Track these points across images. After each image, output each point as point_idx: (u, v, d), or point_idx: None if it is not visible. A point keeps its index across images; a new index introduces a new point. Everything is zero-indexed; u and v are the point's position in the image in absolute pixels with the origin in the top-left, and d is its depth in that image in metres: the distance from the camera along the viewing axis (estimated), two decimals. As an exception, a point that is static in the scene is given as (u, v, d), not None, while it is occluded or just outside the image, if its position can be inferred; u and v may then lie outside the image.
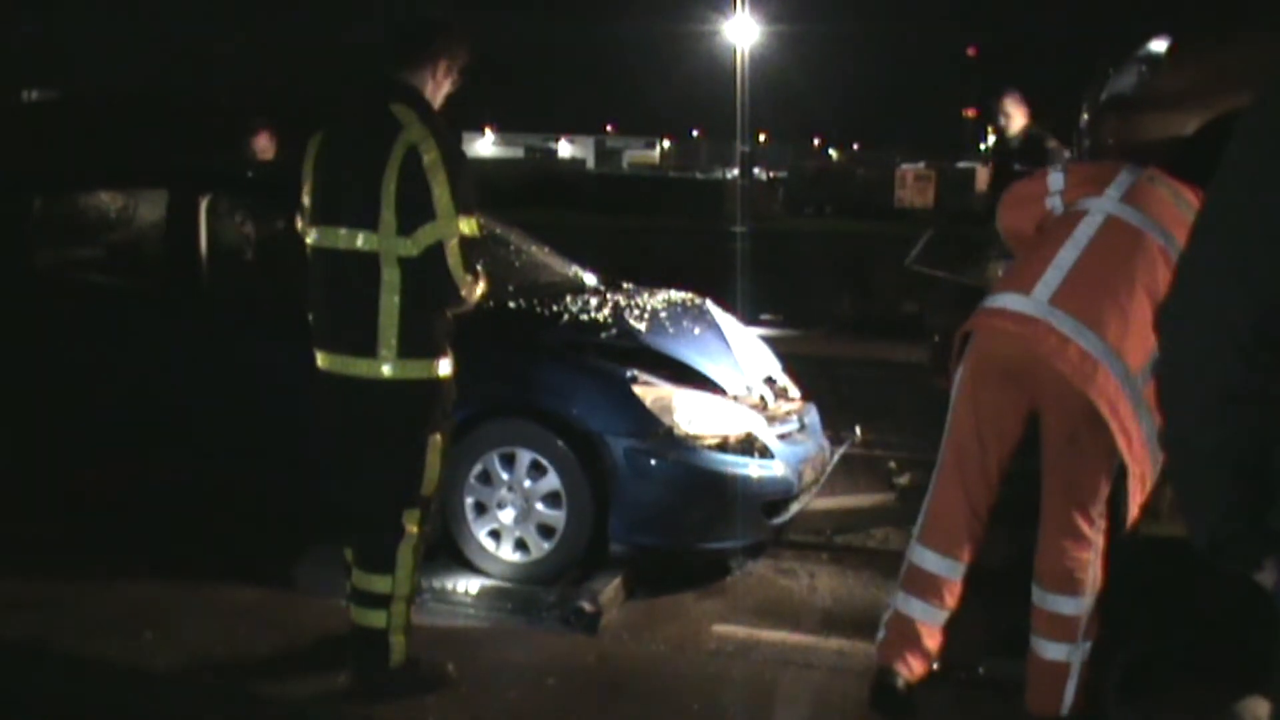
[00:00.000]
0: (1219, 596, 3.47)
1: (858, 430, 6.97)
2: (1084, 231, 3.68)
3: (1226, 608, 3.44)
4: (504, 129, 71.57)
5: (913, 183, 41.36)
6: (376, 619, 3.73)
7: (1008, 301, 3.65)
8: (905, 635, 3.76)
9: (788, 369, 5.98)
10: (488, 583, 4.85)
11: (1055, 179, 3.97)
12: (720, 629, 4.57)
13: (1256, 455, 1.55)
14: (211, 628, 4.27)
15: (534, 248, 6.40)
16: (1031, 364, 3.57)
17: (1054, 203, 3.91)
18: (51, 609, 4.39)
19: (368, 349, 3.58)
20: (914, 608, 3.76)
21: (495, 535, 4.90)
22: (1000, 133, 7.64)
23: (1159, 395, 1.68)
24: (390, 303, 3.55)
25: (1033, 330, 3.55)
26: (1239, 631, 3.09)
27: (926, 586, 3.75)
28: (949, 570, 3.74)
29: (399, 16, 3.80)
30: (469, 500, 4.88)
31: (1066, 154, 7.41)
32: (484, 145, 67.29)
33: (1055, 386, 3.52)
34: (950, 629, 3.82)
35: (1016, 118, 7.47)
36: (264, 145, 7.27)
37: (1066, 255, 3.64)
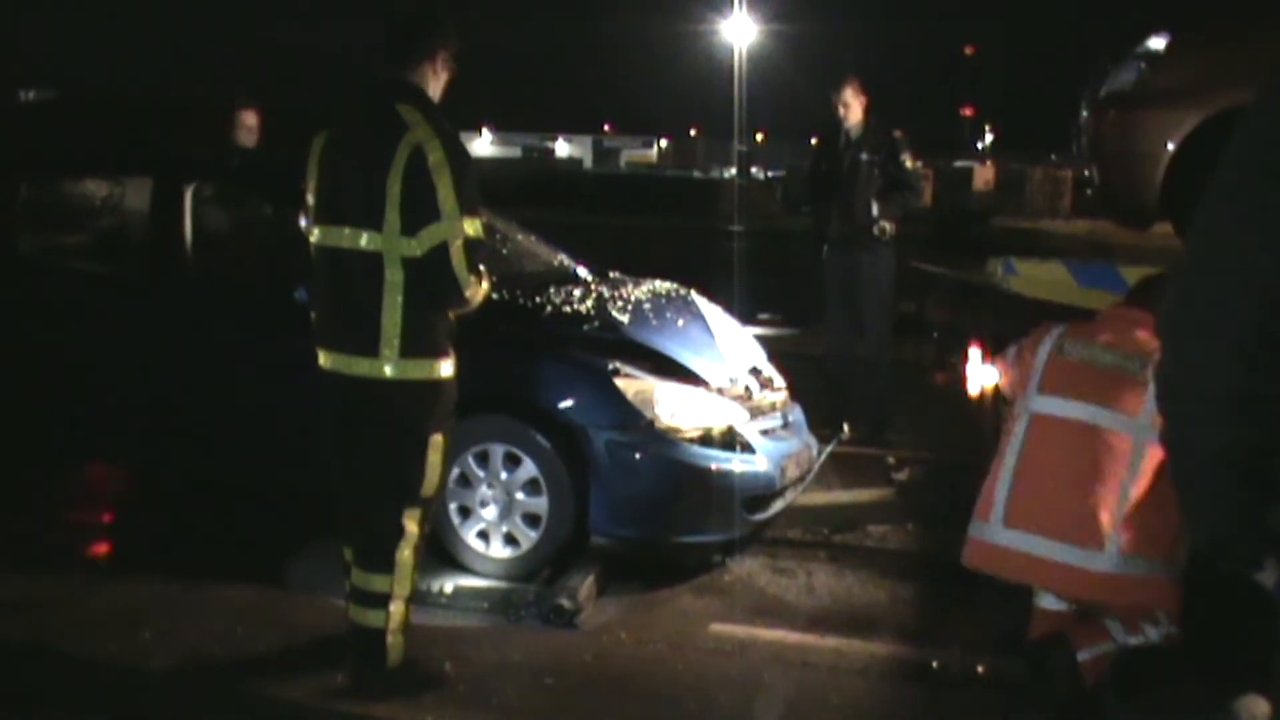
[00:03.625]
0: (1219, 596, 3.47)
1: (845, 427, 6.97)
2: (1016, 442, 3.75)
3: (1226, 607, 3.44)
4: (501, 128, 71.49)
5: (910, 181, 41.25)
6: (375, 618, 3.73)
7: (976, 530, 3.78)
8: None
9: (778, 364, 5.96)
10: (464, 581, 4.83)
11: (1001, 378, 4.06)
12: (717, 628, 4.56)
13: (1258, 456, 1.55)
14: (210, 627, 4.27)
15: (519, 236, 6.38)
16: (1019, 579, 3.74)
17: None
18: (51, 609, 4.39)
19: (370, 349, 3.58)
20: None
21: (484, 536, 4.89)
22: (837, 123, 7.41)
23: (1160, 396, 1.68)
24: (393, 303, 3.55)
25: (999, 559, 3.69)
26: (1239, 631, 3.09)
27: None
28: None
29: (389, 12, 3.78)
30: (452, 506, 4.86)
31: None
32: (481, 145, 67.21)
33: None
34: (949, 629, 3.83)
35: (855, 107, 7.21)
36: (250, 124, 7.11)
37: (1007, 472, 3.72)
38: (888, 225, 7.08)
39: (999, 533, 3.64)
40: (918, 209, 10.25)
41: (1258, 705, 3.42)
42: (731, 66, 22.85)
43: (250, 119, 7.10)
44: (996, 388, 4.29)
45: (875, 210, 7.08)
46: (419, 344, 3.60)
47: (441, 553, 4.84)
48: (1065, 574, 3.54)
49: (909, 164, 7.24)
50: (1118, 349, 3.70)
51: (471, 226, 3.53)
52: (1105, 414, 3.57)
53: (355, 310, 3.60)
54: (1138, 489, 3.52)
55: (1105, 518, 3.50)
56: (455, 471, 4.80)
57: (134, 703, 3.80)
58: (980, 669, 4.13)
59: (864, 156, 7.16)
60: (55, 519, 5.33)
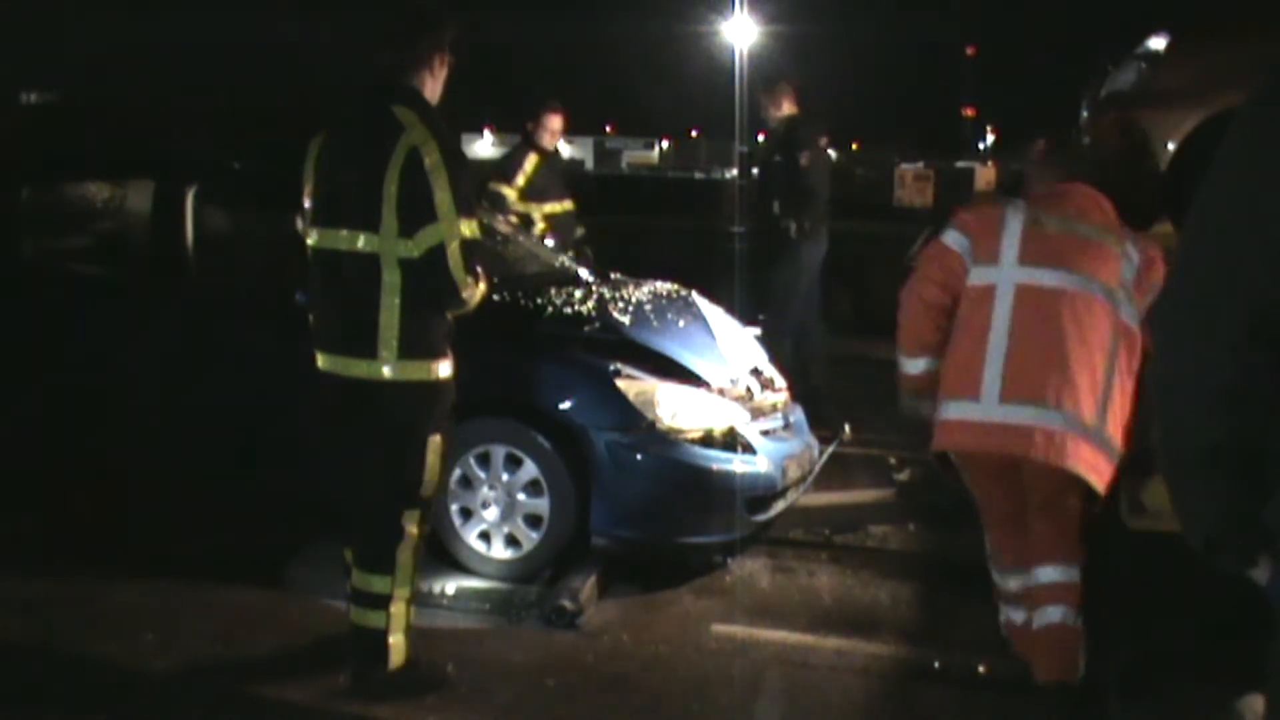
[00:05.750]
0: (1216, 594, 3.48)
1: (847, 428, 6.97)
2: (1001, 313, 3.68)
3: (1224, 606, 3.44)
4: (503, 130, 71.47)
5: (912, 182, 41.10)
6: (376, 620, 3.74)
7: (961, 411, 3.72)
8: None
9: (776, 363, 5.96)
10: (466, 582, 4.84)
11: (958, 241, 3.86)
12: (719, 628, 4.56)
13: (1250, 453, 1.55)
14: (211, 628, 4.27)
15: (521, 237, 6.39)
16: (1007, 460, 3.69)
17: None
18: (51, 609, 4.39)
19: (368, 350, 3.58)
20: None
21: (485, 537, 4.90)
22: (767, 126, 7.58)
23: (1152, 393, 1.68)
24: (391, 304, 3.55)
25: (995, 436, 3.65)
26: (1237, 630, 3.09)
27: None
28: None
29: (387, 13, 3.79)
30: (454, 507, 4.86)
31: (825, 140, 7.44)
32: (483, 146, 67.22)
33: (1035, 468, 3.63)
34: (950, 629, 3.83)
35: (772, 111, 7.39)
36: (555, 127, 7.24)
37: (996, 344, 3.66)
38: (793, 225, 7.20)
39: (993, 408, 3.60)
40: (915, 210, 10.34)
41: (1259, 704, 3.42)
42: (732, 68, 22.81)
43: (555, 121, 7.20)
44: None
45: (777, 209, 7.23)
46: (417, 345, 3.60)
47: (443, 554, 4.85)
48: (1053, 443, 3.52)
49: (803, 163, 7.29)
50: (1090, 220, 3.72)
51: (468, 227, 3.54)
52: (1088, 281, 3.59)
53: (353, 312, 3.61)
54: (1120, 362, 3.57)
55: (1097, 382, 3.53)
56: (457, 473, 4.80)
57: (134, 703, 3.80)
58: (980, 669, 4.13)
59: (776, 158, 7.36)
60: (56, 519, 5.33)
